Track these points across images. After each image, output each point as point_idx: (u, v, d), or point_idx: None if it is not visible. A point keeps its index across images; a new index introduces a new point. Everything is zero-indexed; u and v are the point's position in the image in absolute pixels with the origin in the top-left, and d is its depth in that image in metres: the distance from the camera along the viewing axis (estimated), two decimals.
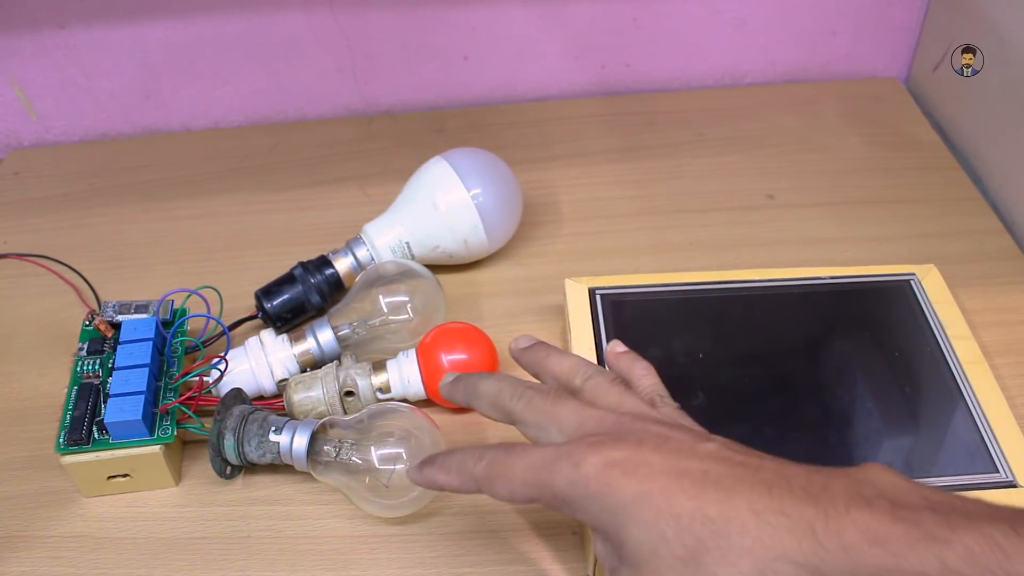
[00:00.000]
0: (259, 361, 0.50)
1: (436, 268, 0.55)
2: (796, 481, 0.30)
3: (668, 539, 0.30)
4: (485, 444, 0.36)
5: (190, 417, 0.46)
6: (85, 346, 0.50)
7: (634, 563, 0.31)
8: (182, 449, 0.49)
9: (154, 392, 0.47)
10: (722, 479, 0.31)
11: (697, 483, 0.31)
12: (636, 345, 0.48)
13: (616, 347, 0.41)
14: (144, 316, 0.50)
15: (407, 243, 0.55)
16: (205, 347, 0.50)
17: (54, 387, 0.51)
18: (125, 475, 0.46)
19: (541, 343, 0.41)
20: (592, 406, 0.35)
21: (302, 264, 0.54)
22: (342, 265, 0.55)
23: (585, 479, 0.32)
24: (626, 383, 0.38)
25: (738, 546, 0.29)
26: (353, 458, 0.43)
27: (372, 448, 0.44)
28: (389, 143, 0.70)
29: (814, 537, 0.29)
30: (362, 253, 0.55)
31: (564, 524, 0.45)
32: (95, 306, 0.56)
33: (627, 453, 0.32)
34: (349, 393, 0.48)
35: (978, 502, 0.29)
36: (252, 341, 0.51)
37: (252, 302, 0.53)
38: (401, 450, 0.44)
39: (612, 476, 0.31)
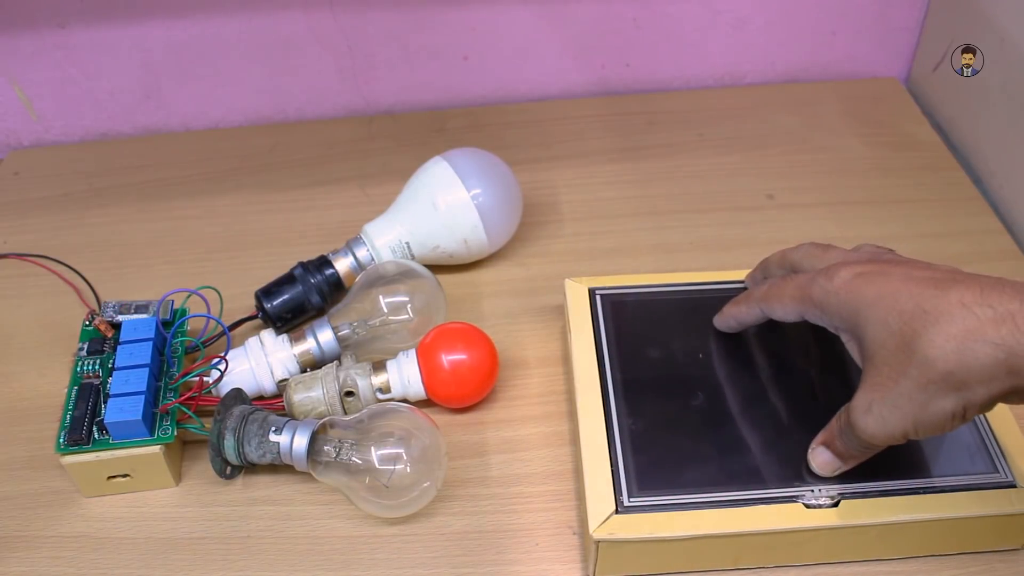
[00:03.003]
0: (259, 361, 0.50)
1: (436, 268, 0.55)
2: (1009, 286, 0.35)
3: (892, 331, 0.36)
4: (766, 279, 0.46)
5: (190, 417, 0.46)
6: (85, 346, 0.50)
7: (869, 356, 0.38)
8: (182, 449, 0.49)
9: (154, 392, 0.47)
10: (942, 281, 0.36)
11: (921, 284, 0.36)
12: (636, 345, 0.49)
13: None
14: (144, 316, 0.50)
15: (407, 243, 0.55)
16: (205, 347, 0.50)
17: (54, 387, 0.51)
18: (125, 475, 0.46)
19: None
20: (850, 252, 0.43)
21: (302, 264, 0.54)
22: (342, 265, 0.55)
23: (836, 287, 0.39)
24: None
25: (944, 332, 0.34)
26: (353, 458, 0.43)
27: (372, 448, 0.44)
28: (389, 143, 0.70)
29: (1014, 324, 0.33)
30: (362, 253, 0.55)
31: (564, 524, 0.45)
32: (95, 306, 0.56)
33: (871, 267, 0.39)
34: (349, 393, 0.48)
35: None
36: (252, 341, 0.51)
37: (252, 302, 0.53)
38: (401, 450, 0.44)
39: (857, 284, 0.38)
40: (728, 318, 0.48)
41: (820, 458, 0.42)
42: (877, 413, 0.37)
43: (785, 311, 0.43)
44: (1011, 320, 0.33)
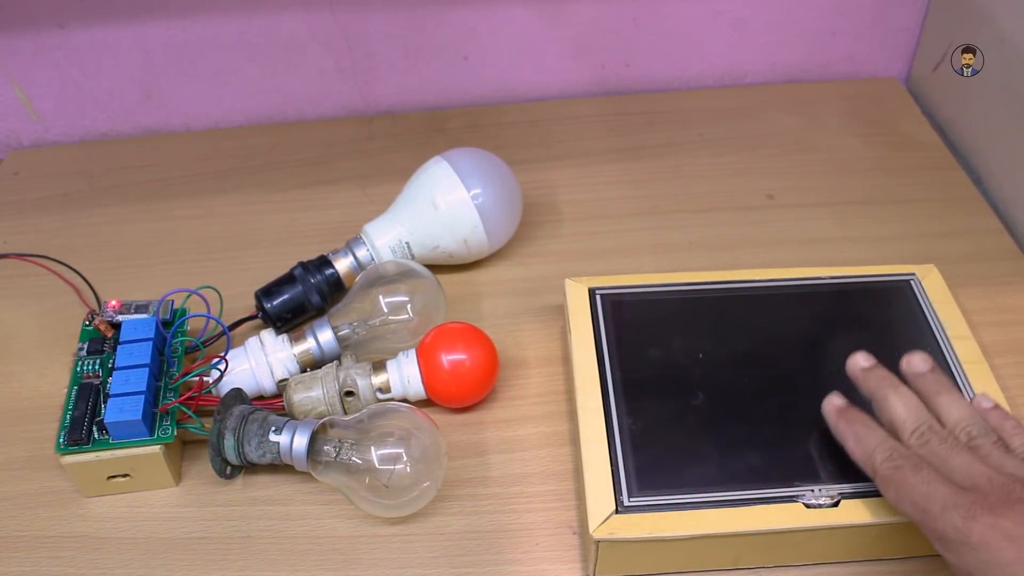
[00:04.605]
0: (259, 361, 0.50)
1: (436, 268, 0.55)
2: None
3: None
4: (895, 443, 0.39)
5: (190, 417, 0.46)
6: (85, 346, 0.50)
7: None
8: (182, 449, 0.49)
9: (154, 392, 0.47)
10: None
11: None
12: (636, 345, 0.49)
13: (985, 402, 0.43)
14: (144, 316, 0.50)
15: (407, 243, 0.55)
16: (205, 347, 0.50)
17: (54, 387, 0.51)
18: (125, 475, 0.46)
19: (929, 373, 0.43)
20: (981, 463, 0.38)
21: (302, 264, 0.54)
22: (342, 265, 0.55)
23: (969, 532, 0.35)
24: (1003, 443, 0.40)
25: None
26: (353, 458, 0.43)
27: (372, 448, 0.44)
28: (389, 143, 0.70)
29: None
30: (362, 253, 0.55)
31: (564, 524, 0.45)
32: (95, 306, 0.56)
33: (1013, 523, 0.35)
34: (349, 393, 0.48)
35: None
36: (252, 341, 0.51)
37: (252, 302, 0.53)
38: (401, 450, 0.44)
39: (995, 538, 0.35)
40: (838, 433, 0.42)
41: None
42: None
43: (900, 506, 0.38)
44: None
